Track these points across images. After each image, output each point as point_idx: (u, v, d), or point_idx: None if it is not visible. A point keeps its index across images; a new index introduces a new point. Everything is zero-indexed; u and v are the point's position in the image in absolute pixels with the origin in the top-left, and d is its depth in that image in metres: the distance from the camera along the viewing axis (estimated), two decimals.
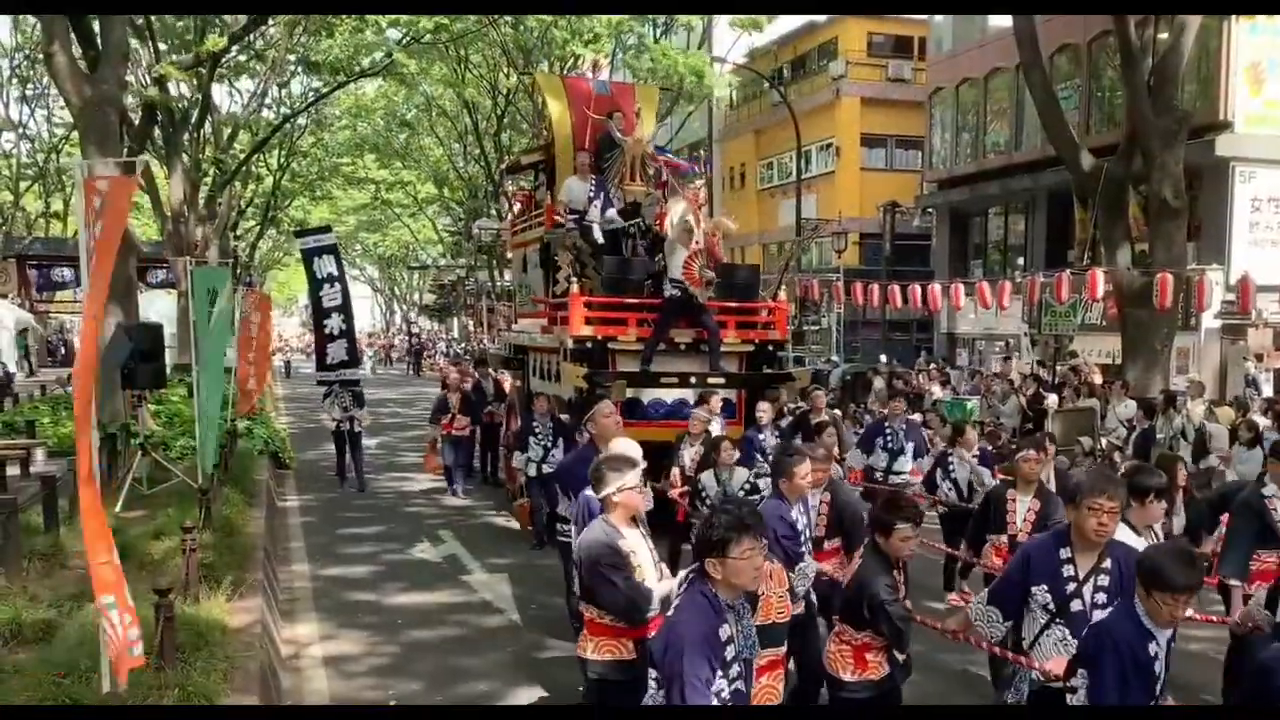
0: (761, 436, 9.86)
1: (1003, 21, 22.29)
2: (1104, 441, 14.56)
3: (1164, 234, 15.72)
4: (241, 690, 5.76)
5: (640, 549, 4.99)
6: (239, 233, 40.92)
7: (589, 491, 5.47)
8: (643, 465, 5.25)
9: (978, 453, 9.42)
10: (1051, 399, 16.55)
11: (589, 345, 10.77)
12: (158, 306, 24.41)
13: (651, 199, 11.92)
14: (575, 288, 10.94)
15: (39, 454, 13.20)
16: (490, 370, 16.25)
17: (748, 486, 8.11)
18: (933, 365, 23.75)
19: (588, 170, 11.98)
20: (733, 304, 11.64)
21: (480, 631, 8.43)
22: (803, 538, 5.91)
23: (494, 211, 38.91)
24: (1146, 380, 15.65)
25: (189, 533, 7.28)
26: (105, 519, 4.99)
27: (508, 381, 15.53)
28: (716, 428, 9.89)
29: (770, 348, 11.79)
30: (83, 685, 5.37)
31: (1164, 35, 15.96)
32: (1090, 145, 18.25)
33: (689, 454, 9.39)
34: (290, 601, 9.21)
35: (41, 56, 17.53)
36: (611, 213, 11.76)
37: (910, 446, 10.56)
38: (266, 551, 9.69)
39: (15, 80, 37.18)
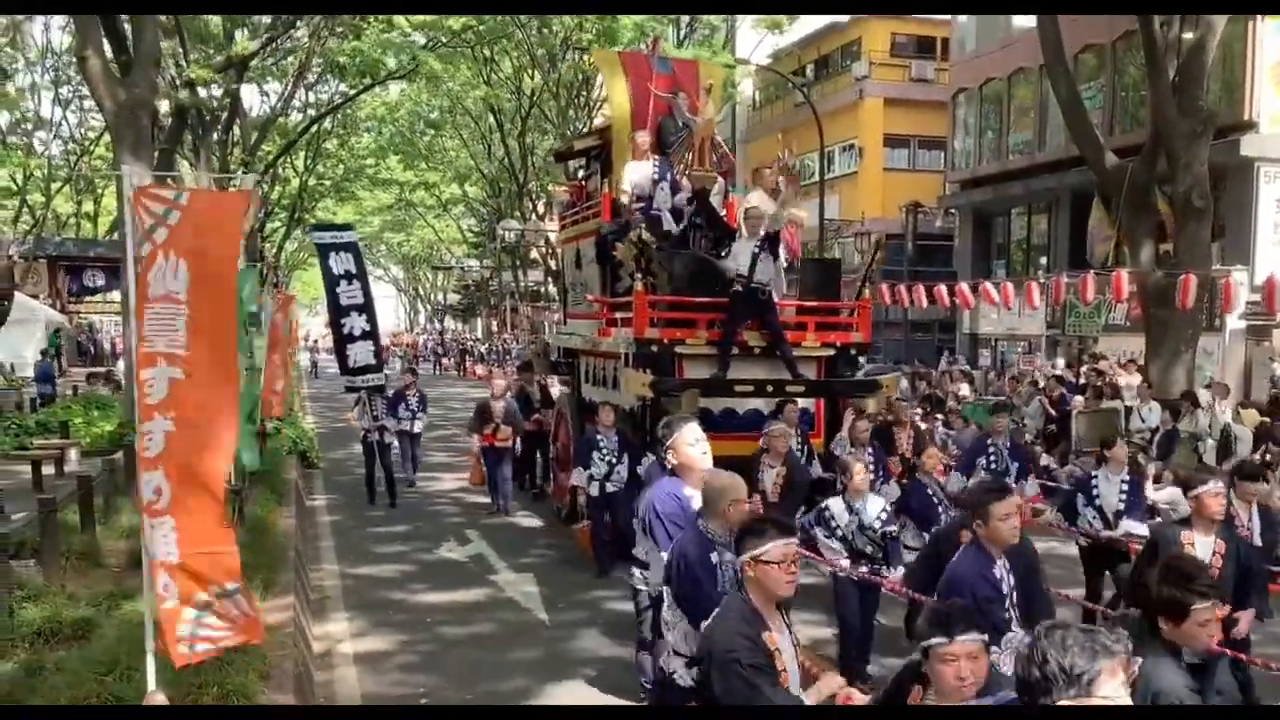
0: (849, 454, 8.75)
1: (1027, 21, 22.31)
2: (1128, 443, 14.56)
3: (1188, 234, 15.63)
4: (277, 688, 5.87)
5: (785, 645, 3.90)
6: (265, 233, 41.29)
7: (685, 542, 4.92)
8: (794, 538, 4.01)
9: (1128, 476, 8.12)
10: (1078, 400, 16.53)
11: (654, 349, 9.67)
12: None
13: (719, 187, 11.03)
14: (639, 285, 9.76)
15: (73, 454, 13.44)
16: (536, 375, 15.34)
17: (884, 515, 7.19)
18: (956, 366, 23.71)
19: (649, 153, 10.73)
20: (812, 303, 10.54)
21: (508, 629, 8.54)
22: (1009, 601, 4.76)
23: (518, 213, 39.14)
24: (1170, 381, 15.60)
25: None
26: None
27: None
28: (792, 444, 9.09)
29: (853, 351, 10.54)
30: (124, 683, 5.42)
31: (1189, 35, 15.89)
32: (1114, 145, 18.20)
33: (769, 476, 8.63)
34: (321, 600, 9.36)
35: (75, 59, 17.80)
36: (681, 198, 10.65)
37: (1015, 467, 9.44)
38: (297, 550, 9.84)
39: (49, 81, 37.59)
